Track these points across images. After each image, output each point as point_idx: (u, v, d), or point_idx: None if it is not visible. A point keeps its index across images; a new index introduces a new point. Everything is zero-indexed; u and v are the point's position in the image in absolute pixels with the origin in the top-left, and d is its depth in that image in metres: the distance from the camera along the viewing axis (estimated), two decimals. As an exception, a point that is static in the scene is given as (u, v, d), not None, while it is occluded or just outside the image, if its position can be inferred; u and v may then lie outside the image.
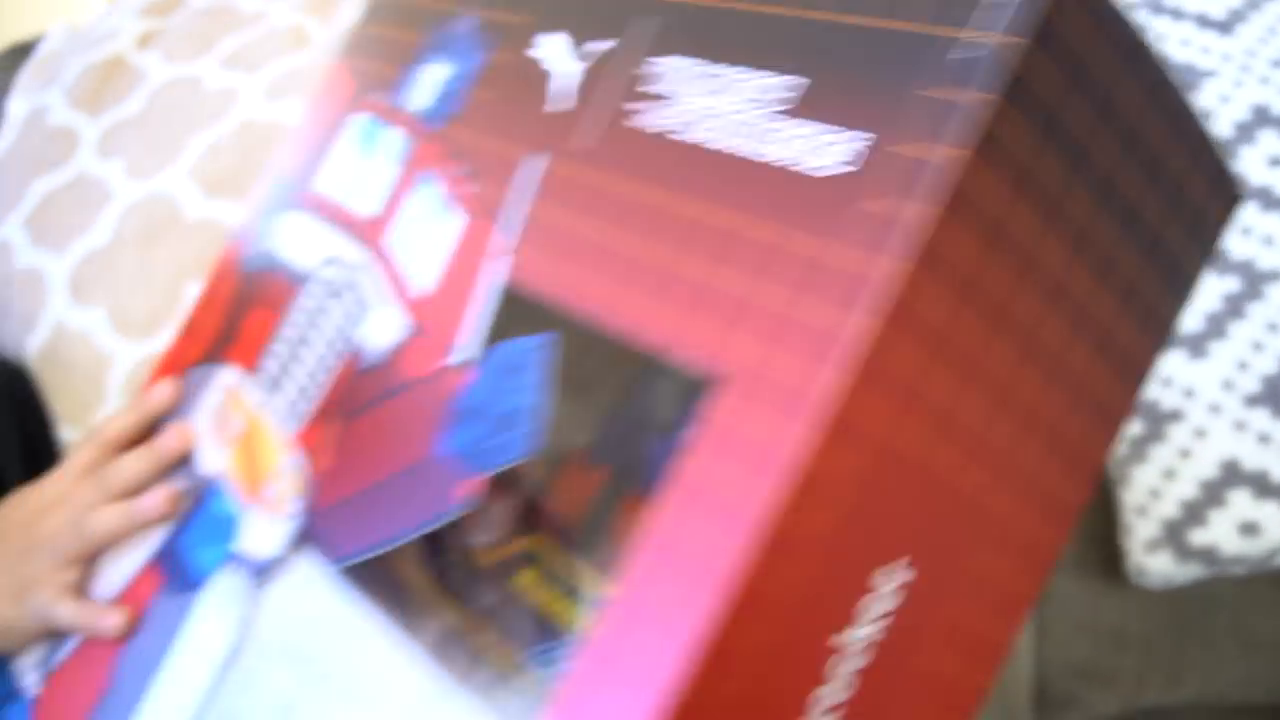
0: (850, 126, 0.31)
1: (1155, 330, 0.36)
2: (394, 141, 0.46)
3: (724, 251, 0.32)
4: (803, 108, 0.33)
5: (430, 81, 0.46)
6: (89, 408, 0.63)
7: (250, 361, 0.47)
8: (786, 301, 0.30)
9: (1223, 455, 0.61)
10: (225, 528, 0.43)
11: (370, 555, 0.38)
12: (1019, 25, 0.29)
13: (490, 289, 0.39)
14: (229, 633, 0.41)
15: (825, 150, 0.31)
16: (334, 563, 0.39)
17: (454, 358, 0.39)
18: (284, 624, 0.39)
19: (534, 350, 0.36)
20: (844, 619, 0.30)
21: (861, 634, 0.31)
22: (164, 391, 0.49)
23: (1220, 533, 0.59)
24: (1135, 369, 0.37)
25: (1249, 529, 0.57)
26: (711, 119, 0.35)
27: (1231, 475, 0.61)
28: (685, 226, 0.34)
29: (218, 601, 0.42)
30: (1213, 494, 0.61)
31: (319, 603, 0.39)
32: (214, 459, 0.46)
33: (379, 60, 0.50)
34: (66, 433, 0.63)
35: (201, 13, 0.72)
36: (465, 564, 0.37)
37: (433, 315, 0.40)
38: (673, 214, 0.34)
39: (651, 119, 0.36)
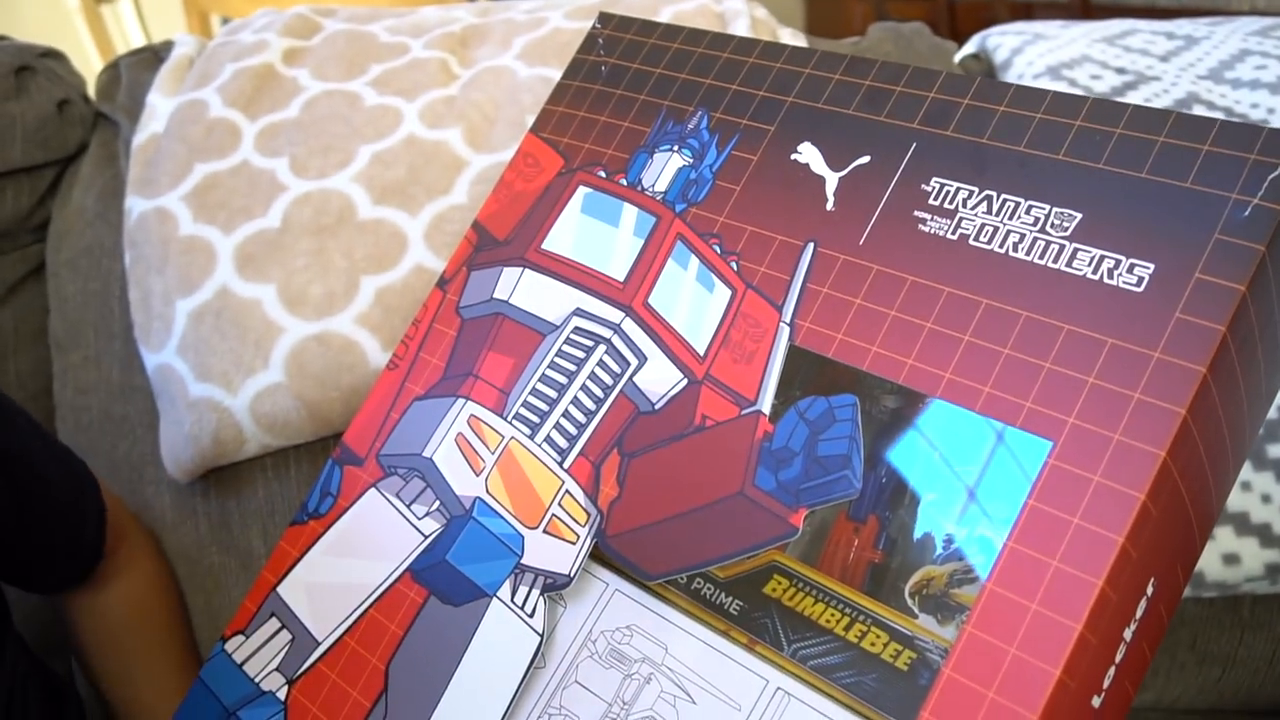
0: (1129, 255, 0.42)
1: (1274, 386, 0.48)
2: (631, 216, 0.54)
3: (1033, 340, 0.42)
4: (1079, 235, 0.43)
5: (668, 168, 0.54)
6: (246, 369, 0.67)
7: (493, 398, 0.53)
8: (1105, 386, 0.40)
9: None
10: (502, 546, 0.49)
11: (687, 573, 0.45)
12: (1278, 197, 0.40)
13: (779, 350, 0.47)
14: (531, 637, 0.47)
15: (1112, 270, 0.42)
16: (645, 579, 0.46)
17: (751, 407, 0.47)
18: (601, 632, 0.46)
19: (848, 407, 0.45)
20: (1130, 618, 0.41)
21: (1131, 628, 0.41)
22: None
23: (1206, 561, 0.73)
24: (1261, 416, 0.49)
25: (1230, 559, 0.70)
26: (998, 233, 0.45)
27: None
28: (988, 315, 0.43)
29: (516, 610, 0.48)
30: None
31: (634, 614, 0.45)
32: (469, 484, 0.51)
33: (593, 141, 0.57)
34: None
35: (342, 36, 0.78)
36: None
37: (716, 369, 0.48)
38: (972, 304, 0.44)
39: (939, 226, 0.46)
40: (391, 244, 0.67)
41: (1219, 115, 0.73)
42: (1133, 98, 0.75)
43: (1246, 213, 0.40)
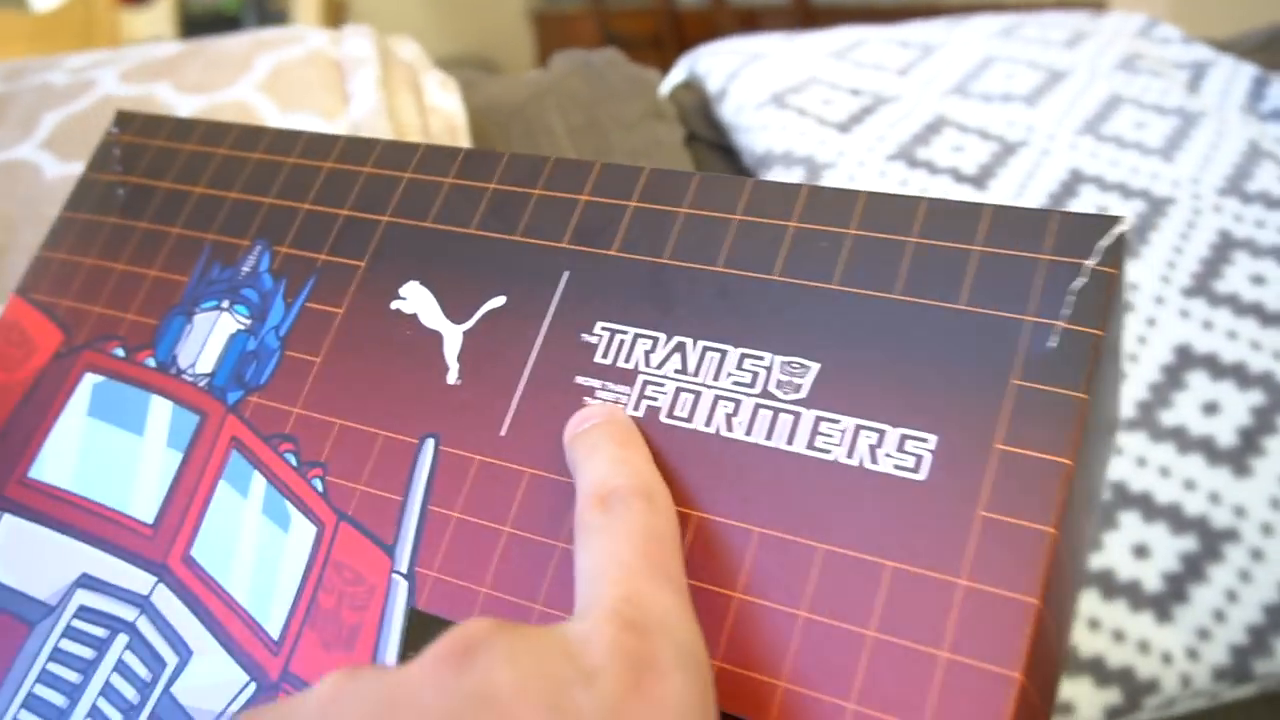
0: (896, 423, 0.27)
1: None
2: (163, 416, 0.35)
3: (774, 575, 0.27)
4: (819, 396, 0.28)
5: (215, 337, 0.36)
6: None
7: (-47, 744, 0.32)
8: (891, 642, 0.25)
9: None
10: None
11: None
12: (1090, 314, 0.27)
13: (395, 620, 0.30)
14: None
15: (875, 450, 0.27)
16: None
17: None
18: None
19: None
20: None
21: None
22: None
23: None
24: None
25: (1062, 710, 0.58)
26: (700, 403, 0.29)
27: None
28: (702, 536, 0.28)
29: None
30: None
31: None
32: None
33: (107, 304, 0.38)
34: None
35: None
36: None
37: (301, 661, 0.30)
38: (678, 519, 0.28)
39: (615, 397, 0.30)
40: None
41: (972, 137, 0.61)
42: (872, 124, 0.61)
43: (1051, 343, 0.27)
